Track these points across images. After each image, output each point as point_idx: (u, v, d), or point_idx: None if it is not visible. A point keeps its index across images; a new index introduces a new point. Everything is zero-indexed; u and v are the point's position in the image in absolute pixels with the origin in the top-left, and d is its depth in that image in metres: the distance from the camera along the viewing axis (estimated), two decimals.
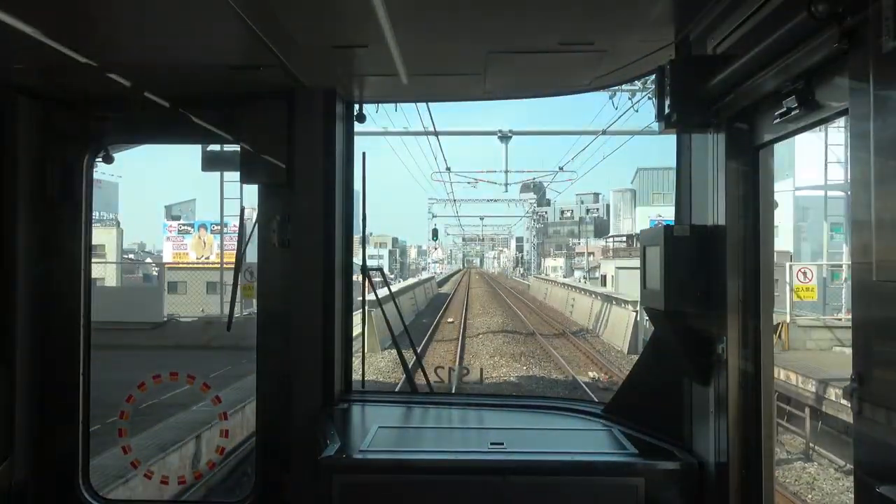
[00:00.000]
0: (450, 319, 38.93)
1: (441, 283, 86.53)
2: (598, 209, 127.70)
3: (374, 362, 23.29)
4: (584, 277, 66.34)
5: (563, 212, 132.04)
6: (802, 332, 19.86)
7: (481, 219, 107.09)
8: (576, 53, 3.42)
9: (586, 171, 67.31)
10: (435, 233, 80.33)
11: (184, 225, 45.24)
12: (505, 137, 29.21)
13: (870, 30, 1.82)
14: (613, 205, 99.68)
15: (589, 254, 77.48)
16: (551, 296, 57.83)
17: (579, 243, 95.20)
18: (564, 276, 77.02)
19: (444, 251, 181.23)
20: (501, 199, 78.14)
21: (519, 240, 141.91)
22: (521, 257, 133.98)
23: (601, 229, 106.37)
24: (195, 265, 39.63)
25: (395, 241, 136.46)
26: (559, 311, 48.16)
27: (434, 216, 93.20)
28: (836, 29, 1.95)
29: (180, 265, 39.89)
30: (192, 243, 43.72)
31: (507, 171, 35.58)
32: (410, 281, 56.56)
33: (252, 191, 4.07)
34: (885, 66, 1.77)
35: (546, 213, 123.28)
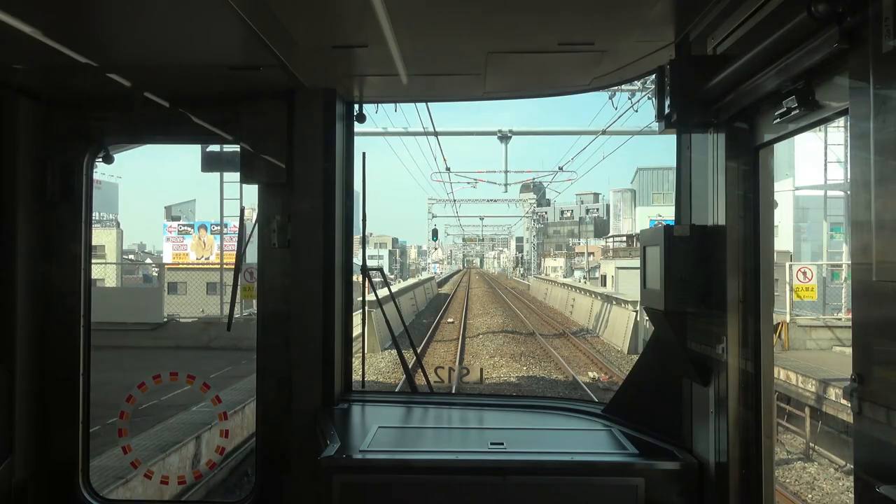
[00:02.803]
0: (450, 320, 38.80)
1: (441, 284, 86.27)
2: (597, 209, 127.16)
3: (374, 363, 23.29)
4: (585, 277, 66.25)
5: (562, 212, 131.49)
6: (802, 331, 19.89)
7: (481, 219, 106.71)
8: (575, 53, 3.42)
9: (586, 171, 67.52)
10: (435, 233, 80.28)
11: (184, 225, 45.05)
12: (505, 137, 29.20)
13: (870, 30, 1.82)
14: (613, 205, 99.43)
15: (589, 254, 77.39)
16: (551, 296, 57.47)
17: (579, 243, 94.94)
18: (564, 276, 76.89)
19: (445, 251, 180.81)
20: (501, 199, 78.08)
21: (519, 240, 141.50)
22: (521, 257, 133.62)
23: (601, 229, 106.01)
24: (195, 266, 39.52)
25: (394, 241, 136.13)
26: (559, 311, 47.97)
27: (434, 216, 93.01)
28: (836, 29, 1.95)
29: (180, 266, 39.92)
30: (192, 244, 43.52)
31: (506, 172, 35.48)
32: (410, 281, 56.35)
33: (252, 191, 4.08)
34: (885, 66, 1.77)
35: (546, 213, 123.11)
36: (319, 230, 3.98)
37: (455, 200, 72.08)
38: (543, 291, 64.76)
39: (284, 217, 3.98)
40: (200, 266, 39.00)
